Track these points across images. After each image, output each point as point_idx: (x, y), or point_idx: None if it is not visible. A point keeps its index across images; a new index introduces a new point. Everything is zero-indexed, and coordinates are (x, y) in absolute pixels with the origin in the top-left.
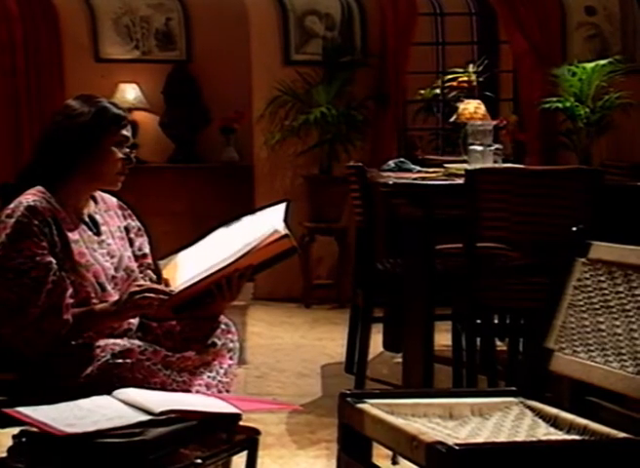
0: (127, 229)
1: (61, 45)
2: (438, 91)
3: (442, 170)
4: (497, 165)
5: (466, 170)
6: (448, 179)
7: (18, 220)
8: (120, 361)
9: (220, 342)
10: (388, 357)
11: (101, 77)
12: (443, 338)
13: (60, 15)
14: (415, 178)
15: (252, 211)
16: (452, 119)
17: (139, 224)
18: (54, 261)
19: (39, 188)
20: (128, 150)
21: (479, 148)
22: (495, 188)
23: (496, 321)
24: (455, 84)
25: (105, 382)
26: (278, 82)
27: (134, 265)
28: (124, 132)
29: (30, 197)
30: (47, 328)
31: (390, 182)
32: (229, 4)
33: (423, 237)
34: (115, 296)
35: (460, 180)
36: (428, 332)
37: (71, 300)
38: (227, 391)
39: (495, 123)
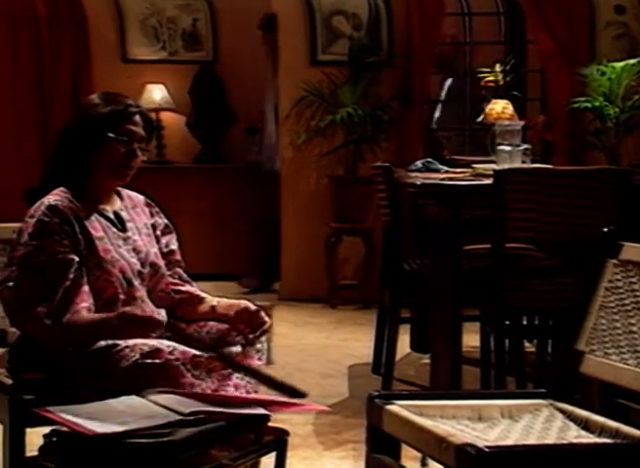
0: (154, 227)
1: (89, 46)
2: None
3: (470, 170)
4: (525, 165)
5: (495, 170)
6: (476, 180)
7: (39, 219)
8: (149, 361)
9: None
10: (415, 358)
11: (128, 78)
12: (471, 339)
13: (89, 16)
14: (442, 179)
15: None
16: (479, 119)
17: (166, 221)
18: (76, 259)
19: (61, 189)
20: (135, 145)
21: (507, 148)
22: (523, 188)
23: (524, 322)
24: (482, 84)
25: (134, 382)
26: (304, 82)
27: (161, 262)
28: (130, 126)
29: (52, 197)
30: (55, 328)
31: (418, 183)
32: (256, 4)
33: (451, 238)
34: (142, 292)
35: (489, 181)
36: (456, 333)
37: (84, 305)
38: (255, 392)
39: (523, 123)
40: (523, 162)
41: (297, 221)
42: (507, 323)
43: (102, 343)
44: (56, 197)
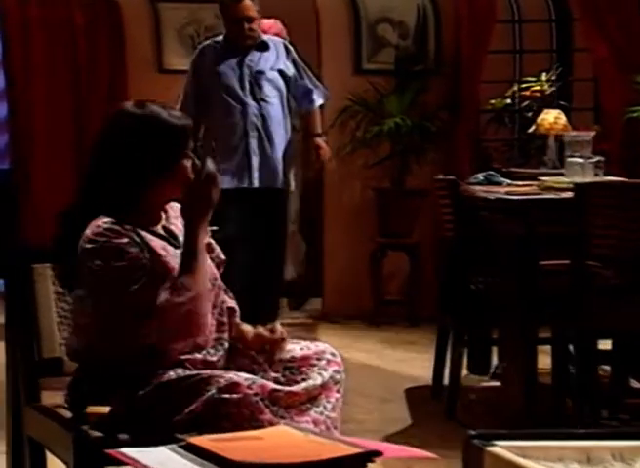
0: None
1: (124, 55)
2: (509, 101)
3: (536, 183)
4: (607, 178)
5: (576, 184)
6: (550, 194)
7: (106, 241)
8: (226, 396)
9: (326, 374)
10: (475, 380)
11: (165, 89)
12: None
13: (125, 25)
14: (507, 192)
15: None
16: (530, 129)
17: (211, 227)
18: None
19: (102, 218)
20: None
21: (579, 160)
22: (606, 203)
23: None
24: (527, 93)
25: (210, 419)
26: (349, 92)
27: (215, 273)
28: (190, 143)
29: (98, 223)
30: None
31: (491, 197)
32: (299, 11)
33: (526, 255)
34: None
35: (566, 195)
36: (531, 357)
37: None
38: (335, 427)
39: (594, 133)
40: (595, 175)
41: (340, 235)
42: (583, 345)
43: (173, 375)
44: (106, 222)
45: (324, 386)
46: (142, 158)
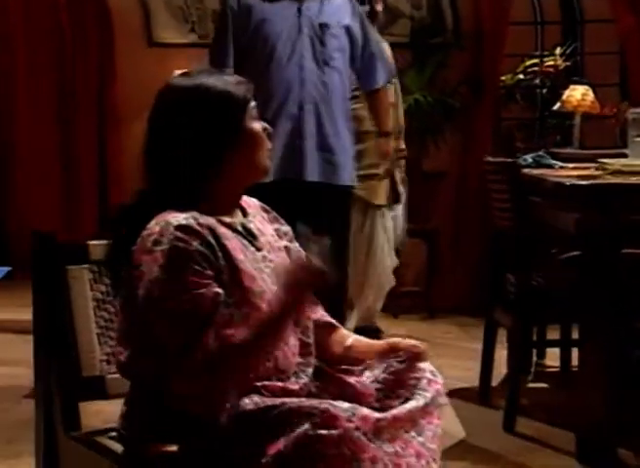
0: (279, 236)
1: (112, 29)
2: (522, 76)
3: (594, 165)
4: None
5: None
6: (620, 178)
7: (172, 246)
8: (323, 432)
9: (429, 396)
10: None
11: (156, 62)
12: None
13: None
14: (578, 177)
15: None
16: (555, 107)
17: (289, 228)
18: (221, 292)
19: (176, 213)
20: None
21: None
22: None
23: None
24: (542, 68)
25: (303, 461)
26: None
27: None
28: (251, 104)
29: (172, 217)
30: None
31: (567, 183)
32: None
33: (611, 246)
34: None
35: None
36: (617, 361)
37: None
38: (434, 460)
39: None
40: None
41: None
42: None
43: (250, 404)
44: (181, 214)
45: (425, 409)
46: (199, 135)
